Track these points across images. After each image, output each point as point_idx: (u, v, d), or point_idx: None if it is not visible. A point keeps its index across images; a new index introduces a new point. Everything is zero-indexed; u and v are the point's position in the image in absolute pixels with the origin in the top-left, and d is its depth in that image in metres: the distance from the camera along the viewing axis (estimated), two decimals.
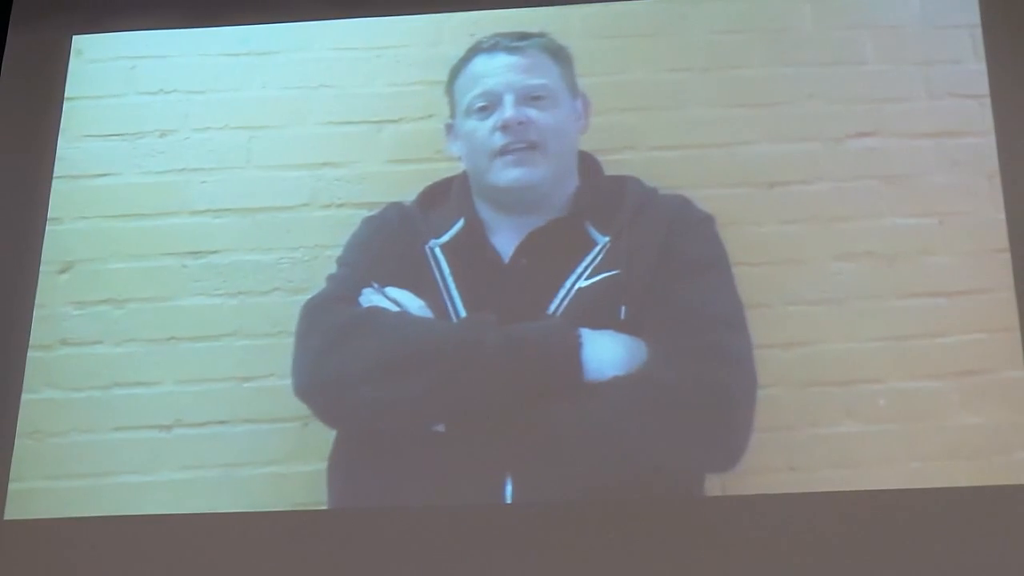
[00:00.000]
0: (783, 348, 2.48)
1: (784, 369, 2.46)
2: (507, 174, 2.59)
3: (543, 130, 2.61)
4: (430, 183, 2.68)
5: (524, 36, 2.72)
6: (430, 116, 2.73)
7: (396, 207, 2.68)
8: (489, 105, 2.63)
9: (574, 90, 2.69)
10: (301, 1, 2.85)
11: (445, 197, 2.66)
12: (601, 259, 2.56)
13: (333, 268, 2.63)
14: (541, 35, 2.73)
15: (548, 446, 2.46)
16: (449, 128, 2.70)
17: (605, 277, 2.54)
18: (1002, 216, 2.52)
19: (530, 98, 2.62)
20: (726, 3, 2.75)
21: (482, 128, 2.63)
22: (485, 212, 2.63)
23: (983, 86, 2.61)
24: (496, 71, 2.66)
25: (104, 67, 2.87)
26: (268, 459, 2.53)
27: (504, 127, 2.60)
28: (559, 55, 2.70)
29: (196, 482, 2.54)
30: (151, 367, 2.62)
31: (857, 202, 2.57)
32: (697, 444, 2.43)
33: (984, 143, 2.58)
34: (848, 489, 2.38)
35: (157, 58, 2.86)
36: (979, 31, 2.64)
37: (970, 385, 2.42)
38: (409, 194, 2.67)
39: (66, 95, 2.84)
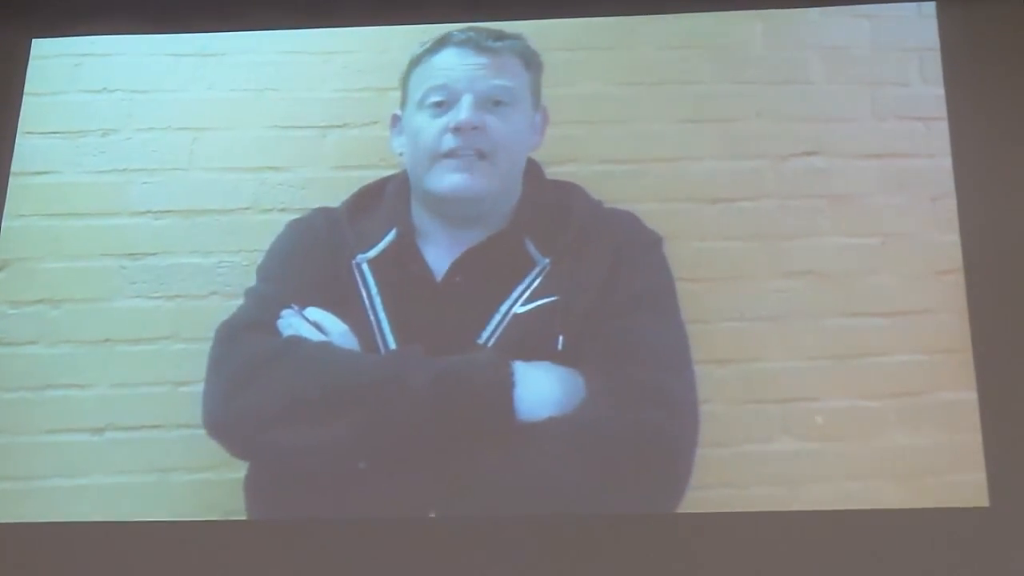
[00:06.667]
0: (720, 364, 2.46)
1: (721, 385, 2.44)
2: (447, 179, 2.47)
3: (496, 140, 2.48)
4: (364, 186, 2.62)
5: (500, 36, 2.61)
6: (375, 122, 2.71)
7: (323, 213, 2.59)
8: (445, 102, 2.50)
9: (537, 101, 2.59)
10: (263, 7, 2.82)
11: (378, 200, 2.57)
12: (540, 283, 2.45)
13: None
14: (517, 37, 2.62)
15: (475, 494, 2.35)
16: (395, 120, 2.61)
17: (542, 304, 2.43)
18: (944, 238, 2.52)
19: (491, 102, 2.50)
20: (677, 20, 2.73)
21: (432, 127, 2.49)
22: (420, 219, 2.53)
23: (928, 109, 2.61)
24: (461, 67, 2.53)
25: (48, 64, 2.83)
26: (201, 465, 2.49)
27: (456, 129, 2.47)
28: (531, 62, 2.60)
29: (127, 487, 2.50)
30: (85, 369, 2.58)
31: (800, 220, 2.56)
32: (634, 494, 2.36)
33: (929, 165, 2.58)
34: (782, 510, 2.37)
35: (102, 56, 2.83)
36: (928, 55, 2.64)
37: (907, 405, 2.42)
38: None
39: None
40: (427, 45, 2.60)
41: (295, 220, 2.61)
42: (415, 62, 2.60)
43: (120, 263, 2.65)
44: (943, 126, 2.60)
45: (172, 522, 2.46)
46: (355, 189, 2.64)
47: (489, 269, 2.47)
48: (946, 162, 2.57)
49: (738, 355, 2.47)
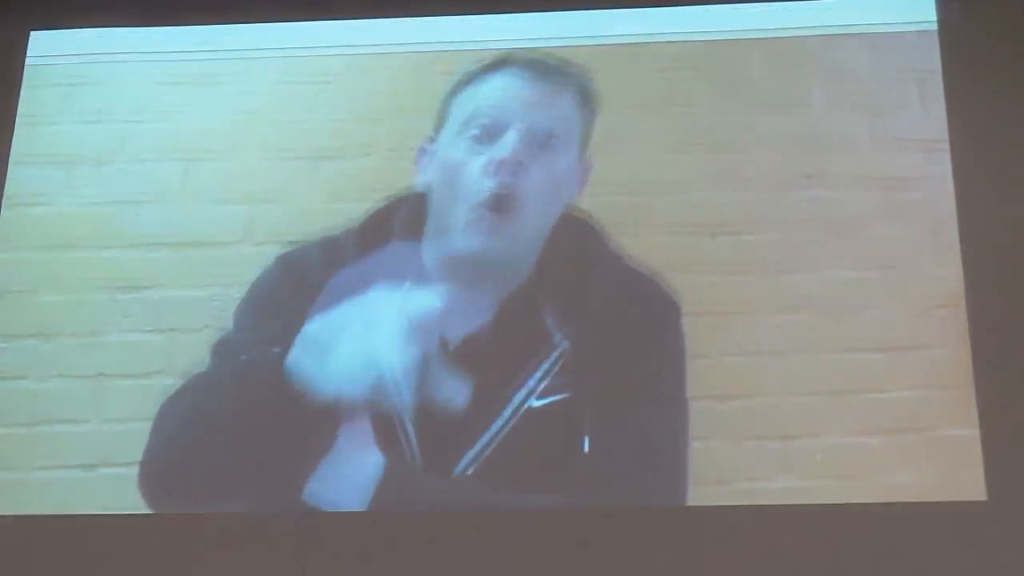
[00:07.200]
0: (720, 400, 2.43)
1: (721, 422, 2.41)
2: (473, 241, 2.35)
3: (532, 189, 2.34)
4: (372, 212, 2.55)
5: (563, 70, 2.50)
6: (369, 153, 2.67)
7: (320, 249, 2.49)
8: (488, 133, 2.37)
9: (584, 148, 2.47)
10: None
11: (387, 232, 2.48)
12: (556, 371, 2.34)
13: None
14: (580, 73, 2.49)
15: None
16: (422, 153, 2.51)
17: (557, 400, 2.33)
18: (946, 270, 2.48)
19: (537, 143, 2.37)
20: (676, 45, 2.70)
21: (472, 164, 2.34)
22: (430, 258, 2.43)
23: (929, 137, 2.57)
24: (513, 98, 2.41)
25: (40, 92, 2.80)
26: None
27: (498, 165, 2.33)
28: (588, 103, 2.48)
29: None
30: (78, 404, 2.54)
31: (800, 253, 2.53)
32: None
33: (929, 196, 2.54)
34: (781, 503, 2.33)
35: (95, 85, 2.80)
36: (928, 82, 2.60)
37: (908, 441, 2.38)
38: None
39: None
40: (479, 66, 2.48)
41: (286, 255, 2.55)
42: (462, 84, 2.48)
43: (113, 296, 2.62)
44: (944, 156, 2.55)
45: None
46: (348, 222, 2.60)
47: (504, 342, 2.37)
48: (947, 191, 2.53)
49: (737, 391, 2.44)
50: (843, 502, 2.33)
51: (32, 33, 2.82)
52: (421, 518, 2.36)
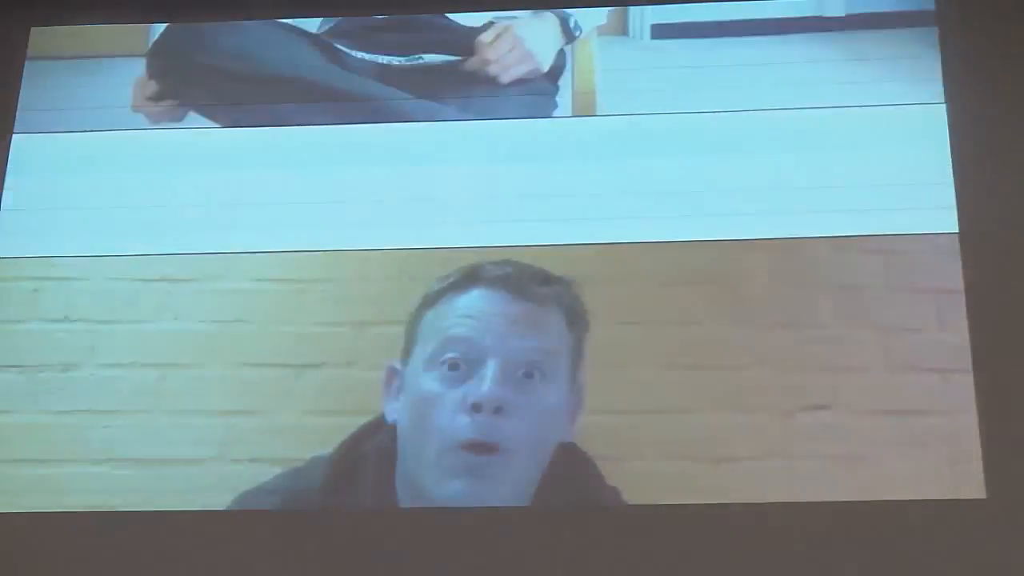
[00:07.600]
0: None
1: None
2: (450, 487, 2.16)
3: (519, 431, 2.12)
4: (341, 445, 2.38)
5: (547, 280, 2.27)
6: (354, 362, 2.52)
7: (284, 492, 2.29)
8: (463, 364, 2.15)
9: (575, 373, 2.24)
10: None
11: (358, 470, 2.32)
12: None
13: None
14: (567, 283, 2.28)
15: None
16: (391, 376, 2.33)
17: None
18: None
19: (521, 372, 2.15)
20: (679, 251, 2.54)
21: (445, 400, 2.12)
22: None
23: (945, 359, 2.41)
24: (490, 317, 2.17)
25: (5, 288, 2.65)
26: None
27: (475, 407, 2.11)
28: (576, 319, 2.26)
29: None
30: None
31: (808, 483, 2.35)
32: None
33: (946, 423, 2.37)
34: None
35: (63, 280, 2.65)
36: (946, 296, 2.44)
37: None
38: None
39: None
40: (448, 280, 2.27)
41: (244, 499, 2.36)
42: (430, 301, 2.27)
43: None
44: (966, 378, 2.38)
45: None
46: (332, 438, 2.43)
47: None
48: (969, 418, 2.36)
49: None
50: (842, 500, 2.26)
51: (33, 30, 2.77)
52: (422, 518, 2.25)
